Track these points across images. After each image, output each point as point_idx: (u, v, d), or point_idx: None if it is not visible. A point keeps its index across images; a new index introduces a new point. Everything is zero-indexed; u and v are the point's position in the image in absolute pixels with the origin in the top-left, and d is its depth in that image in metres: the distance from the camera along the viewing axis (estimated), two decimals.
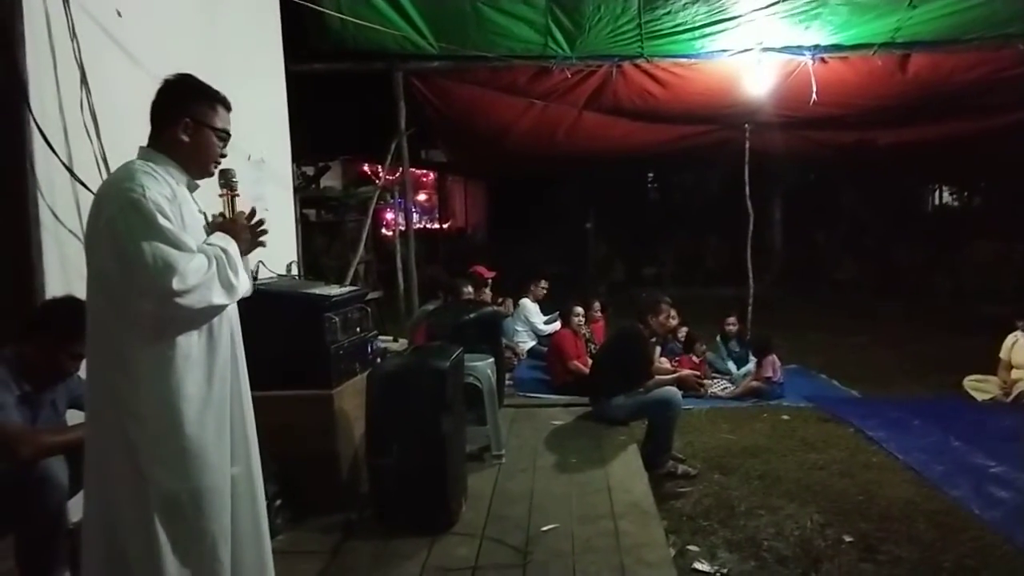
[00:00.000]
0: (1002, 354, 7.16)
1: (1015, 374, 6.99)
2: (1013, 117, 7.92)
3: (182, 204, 2.13)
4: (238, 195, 2.38)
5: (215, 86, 2.30)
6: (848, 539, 3.98)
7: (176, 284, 1.96)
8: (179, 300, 1.98)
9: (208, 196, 2.35)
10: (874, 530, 4.09)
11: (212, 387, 2.14)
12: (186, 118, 2.19)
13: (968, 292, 13.37)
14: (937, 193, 19.60)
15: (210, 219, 2.30)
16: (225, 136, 2.29)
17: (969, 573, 3.61)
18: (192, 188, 2.26)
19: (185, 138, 2.19)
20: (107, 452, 2.07)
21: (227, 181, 2.36)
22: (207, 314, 2.12)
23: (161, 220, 2.00)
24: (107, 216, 2.02)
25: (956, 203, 19.55)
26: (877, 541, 3.95)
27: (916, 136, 8.87)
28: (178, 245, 2.00)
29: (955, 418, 6.25)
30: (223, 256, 2.12)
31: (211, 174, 2.31)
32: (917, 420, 6.17)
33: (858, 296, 14.41)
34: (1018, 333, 7.10)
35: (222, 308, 2.16)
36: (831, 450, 5.53)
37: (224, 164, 2.34)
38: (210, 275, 2.06)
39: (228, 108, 2.31)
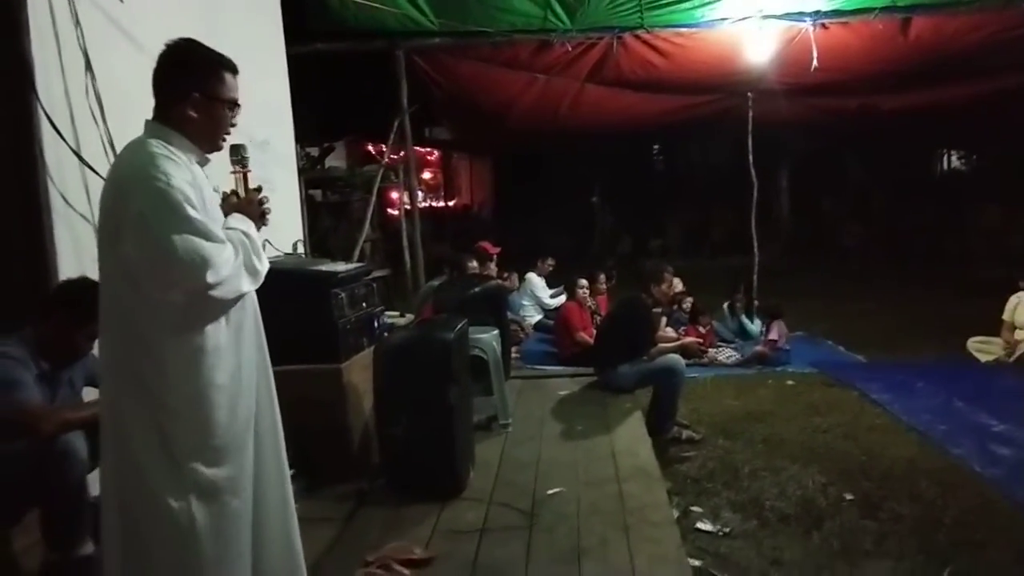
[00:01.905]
0: (1005, 315, 7.19)
1: (1018, 335, 7.03)
2: (1017, 79, 7.87)
3: (202, 186, 2.07)
4: (250, 171, 2.34)
5: None
6: (849, 498, 4.06)
7: (211, 277, 1.93)
8: (213, 292, 1.97)
9: (216, 171, 2.32)
10: (875, 489, 4.17)
11: (241, 375, 2.14)
12: (195, 92, 2.08)
13: (975, 256, 13.35)
14: (945, 158, 19.47)
15: (224, 196, 2.27)
16: (234, 105, 2.18)
17: (968, 529, 3.67)
18: (203, 163, 2.18)
19: (194, 114, 2.08)
20: (131, 437, 2.02)
21: (240, 158, 2.31)
22: (235, 302, 2.10)
23: (189, 210, 1.94)
24: (136, 208, 1.94)
25: (964, 167, 19.42)
26: (878, 499, 4.03)
27: (919, 100, 8.82)
28: (208, 235, 1.95)
29: (959, 379, 6.31)
30: (246, 241, 2.09)
31: (220, 148, 2.23)
32: (921, 382, 6.24)
33: (864, 262, 14.42)
34: (1021, 294, 7.12)
35: (247, 293, 2.14)
36: (835, 414, 5.61)
37: (232, 140, 2.28)
38: (239, 264, 2.03)
39: (235, 72, 2.18)
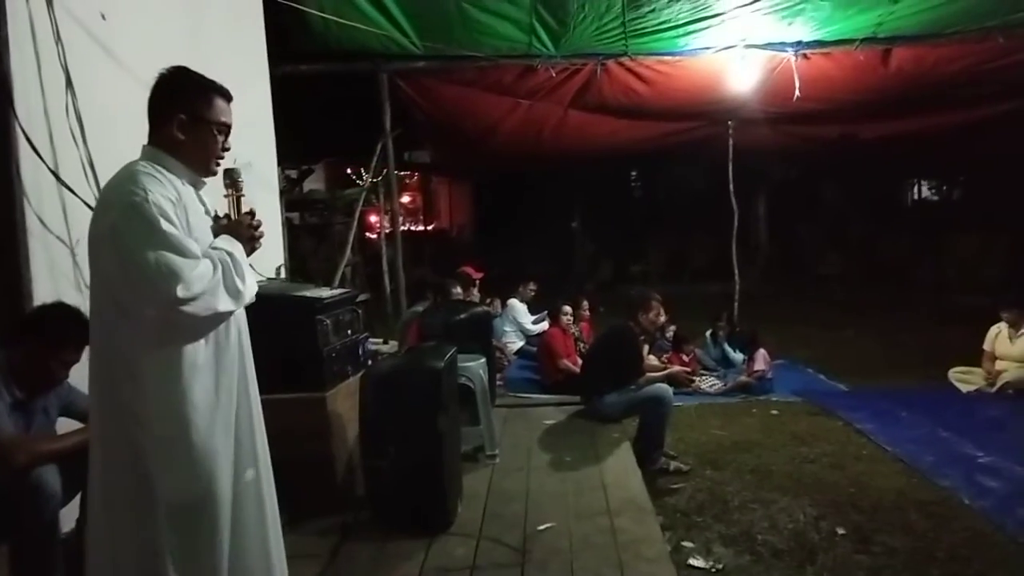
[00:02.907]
0: (986, 345, 7.24)
1: (999, 365, 7.06)
2: (994, 109, 8.03)
3: (187, 206, 2.08)
4: (243, 195, 2.31)
5: None
6: (841, 531, 4.00)
7: (181, 292, 1.92)
8: (184, 308, 1.94)
9: (215, 194, 2.30)
10: (867, 521, 4.12)
11: (220, 394, 2.11)
12: (180, 114, 2.11)
13: (951, 284, 13.51)
14: (916, 187, 19.79)
15: (215, 220, 2.25)
16: (225, 129, 2.21)
17: (962, 562, 3.63)
18: (198, 187, 2.20)
19: (181, 136, 2.11)
20: (112, 458, 2.04)
21: (232, 181, 2.29)
22: (213, 321, 2.07)
23: (164, 225, 1.95)
24: (110, 221, 1.97)
25: (935, 196, 19.74)
26: (870, 532, 3.97)
27: (899, 129, 8.96)
28: (182, 251, 1.95)
29: (942, 409, 6.32)
30: (229, 261, 2.07)
31: (214, 172, 2.23)
32: (905, 411, 6.23)
33: (843, 289, 14.54)
34: (1002, 324, 7.18)
35: (229, 315, 2.11)
36: (821, 443, 5.57)
37: (226, 164, 2.27)
38: (215, 281, 2.01)
39: (228, 98, 2.22)
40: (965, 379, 7.21)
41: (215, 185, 2.30)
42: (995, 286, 10.69)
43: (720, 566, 3.64)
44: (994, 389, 6.91)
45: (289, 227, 8.42)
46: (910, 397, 6.76)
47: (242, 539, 2.18)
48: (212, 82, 2.20)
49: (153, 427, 2.01)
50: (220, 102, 2.19)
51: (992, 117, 8.18)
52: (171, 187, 2.05)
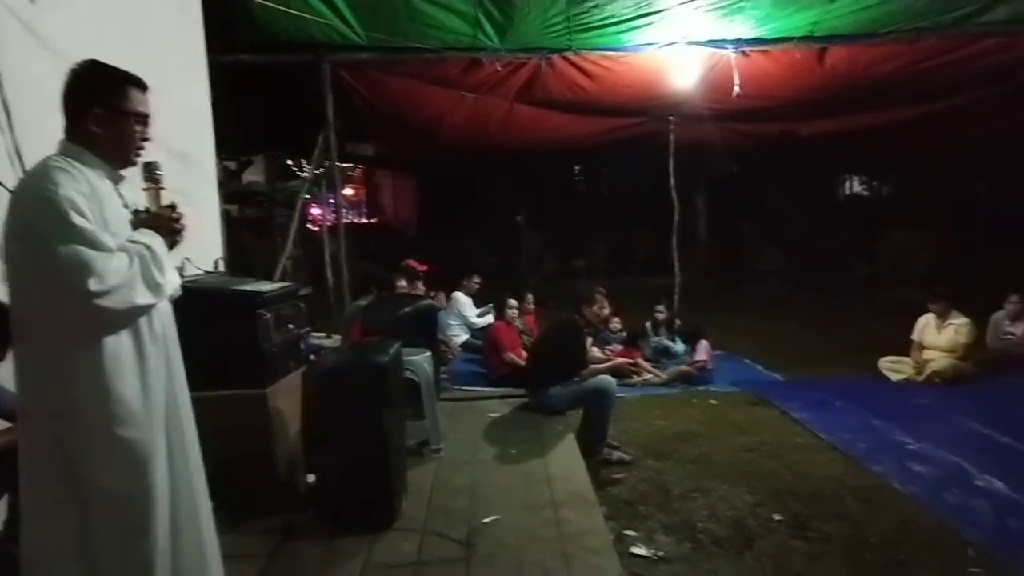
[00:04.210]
0: (914, 335, 7.52)
1: (927, 355, 7.35)
2: (926, 108, 8.29)
3: (103, 200, 2.05)
4: (163, 188, 2.27)
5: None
6: (779, 518, 4.11)
7: (93, 285, 1.90)
8: (99, 302, 1.92)
9: (136, 189, 2.25)
10: (803, 508, 4.24)
11: (147, 389, 2.08)
12: (95, 108, 2.09)
13: (883, 278, 13.97)
14: (848, 183, 20.38)
15: (135, 214, 2.21)
16: (143, 119, 2.18)
17: (894, 546, 3.76)
18: (116, 180, 2.17)
19: (97, 129, 2.09)
20: (42, 457, 2.00)
21: (151, 174, 2.25)
22: (132, 315, 2.05)
23: (75, 218, 1.92)
24: (22, 217, 1.96)
25: (867, 192, 20.36)
26: (807, 518, 4.09)
27: (835, 127, 9.19)
28: (95, 244, 1.93)
29: (874, 398, 6.54)
30: (147, 253, 2.05)
31: (134, 163, 2.20)
32: (839, 401, 6.43)
33: (781, 283, 14.91)
34: (929, 316, 7.47)
35: (148, 308, 2.09)
36: (759, 432, 5.71)
37: (148, 156, 2.23)
38: (132, 274, 1.99)
39: (143, 88, 2.19)
40: (895, 369, 7.48)
41: (137, 180, 2.24)
42: (924, 279, 11.12)
43: (662, 554, 3.71)
44: (922, 378, 7.18)
45: (228, 220, 8.23)
46: (844, 387, 6.99)
47: (177, 536, 2.16)
48: (126, 73, 2.17)
49: (80, 424, 1.98)
50: (135, 92, 2.17)
51: (924, 116, 8.46)
52: (84, 181, 2.02)
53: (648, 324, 8.79)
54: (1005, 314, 7.45)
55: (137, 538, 2.05)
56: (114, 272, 1.94)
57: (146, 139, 2.20)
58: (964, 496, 4.31)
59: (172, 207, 2.26)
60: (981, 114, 8.49)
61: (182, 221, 2.26)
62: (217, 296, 3.65)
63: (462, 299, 8.79)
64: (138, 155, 2.20)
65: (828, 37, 6.83)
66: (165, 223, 2.20)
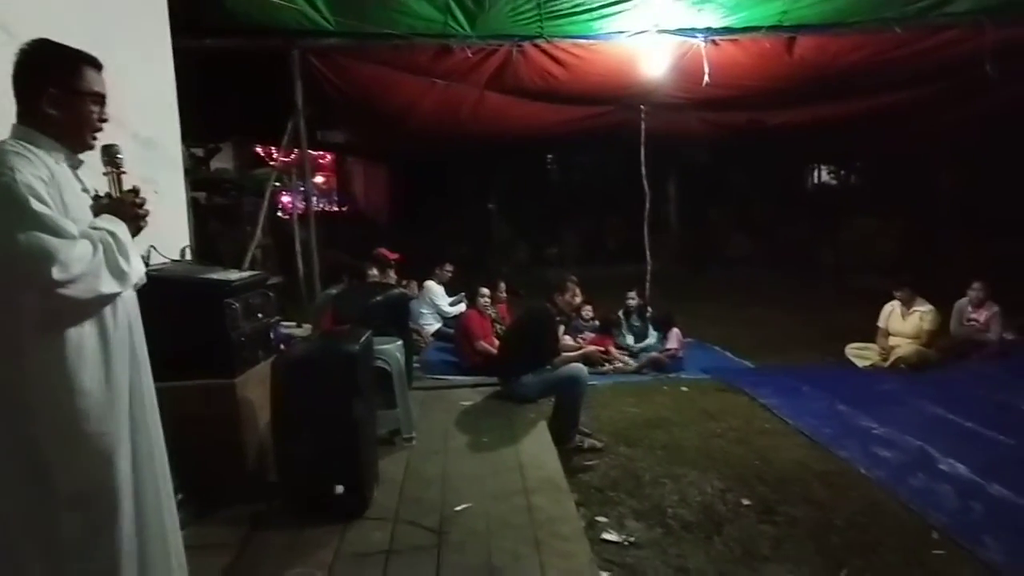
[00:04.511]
0: (880, 322, 7.66)
1: (892, 341, 7.49)
2: (893, 97, 8.39)
3: (62, 185, 1.99)
4: (125, 172, 2.22)
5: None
6: (747, 503, 4.17)
7: (57, 274, 1.85)
8: (62, 291, 1.87)
9: (94, 173, 2.20)
10: (771, 492, 4.31)
11: (111, 380, 2.04)
12: (49, 88, 2.02)
13: (850, 266, 14.18)
14: (816, 172, 20.60)
15: (96, 199, 2.16)
16: (99, 99, 2.12)
17: (860, 529, 3.84)
18: (75, 165, 2.11)
19: (52, 111, 2.02)
20: (3, 449, 1.95)
21: (111, 158, 2.19)
22: (97, 304, 2.01)
23: (36, 205, 1.86)
24: None
25: (834, 181, 20.61)
26: (774, 503, 4.16)
27: (802, 116, 9.26)
28: (56, 231, 1.87)
29: (840, 384, 6.65)
30: (111, 240, 2.00)
31: (91, 146, 2.14)
32: (806, 387, 6.53)
33: (749, 271, 15.08)
34: (895, 303, 7.61)
35: (113, 297, 2.04)
36: (728, 418, 5.78)
37: (108, 140, 2.18)
38: (97, 262, 1.94)
39: (98, 67, 2.13)
40: (861, 355, 7.62)
41: (96, 164, 2.19)
42: (889, 267, 11.30)
43: (632, 539, 3.75)
44: (888, 364, 7.31)
45: (195, 207, 8.11)
46: (811, 373, 7.10)
47: (142, 528, 2.13)
48: (79, 51, 2.11)
49: (42, 417, 1.94)
50: (90, 71, 2.11)
51: (890, 106, 8.57)
52: (43, 166, 1.96)
53: (620, 312, 8.83)
54: (968, 301, 7.60)
55: (103, 534, 2.02)
56: (78, 260, 1.88)
57: (103, 120, 2.14)
58: (928, 480, 4.40)
59: (135, 191, 2.21)
60: (946, 104, 8.62)
61: (145, 206, 2.21)
62: (184, 285, 3.60)
63: (434, 288, 8.77)
64: (95, 137, 2.14)
65: (796, 27, 6.88)
66: (128, 208, 2.15)
